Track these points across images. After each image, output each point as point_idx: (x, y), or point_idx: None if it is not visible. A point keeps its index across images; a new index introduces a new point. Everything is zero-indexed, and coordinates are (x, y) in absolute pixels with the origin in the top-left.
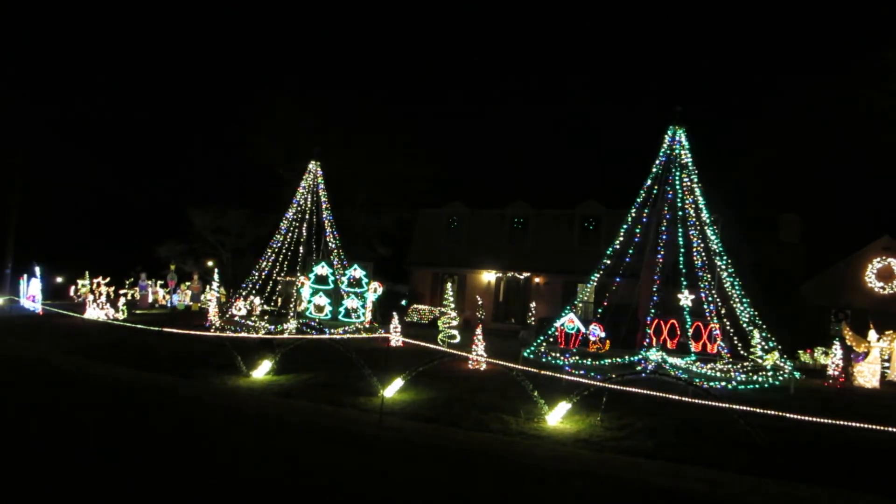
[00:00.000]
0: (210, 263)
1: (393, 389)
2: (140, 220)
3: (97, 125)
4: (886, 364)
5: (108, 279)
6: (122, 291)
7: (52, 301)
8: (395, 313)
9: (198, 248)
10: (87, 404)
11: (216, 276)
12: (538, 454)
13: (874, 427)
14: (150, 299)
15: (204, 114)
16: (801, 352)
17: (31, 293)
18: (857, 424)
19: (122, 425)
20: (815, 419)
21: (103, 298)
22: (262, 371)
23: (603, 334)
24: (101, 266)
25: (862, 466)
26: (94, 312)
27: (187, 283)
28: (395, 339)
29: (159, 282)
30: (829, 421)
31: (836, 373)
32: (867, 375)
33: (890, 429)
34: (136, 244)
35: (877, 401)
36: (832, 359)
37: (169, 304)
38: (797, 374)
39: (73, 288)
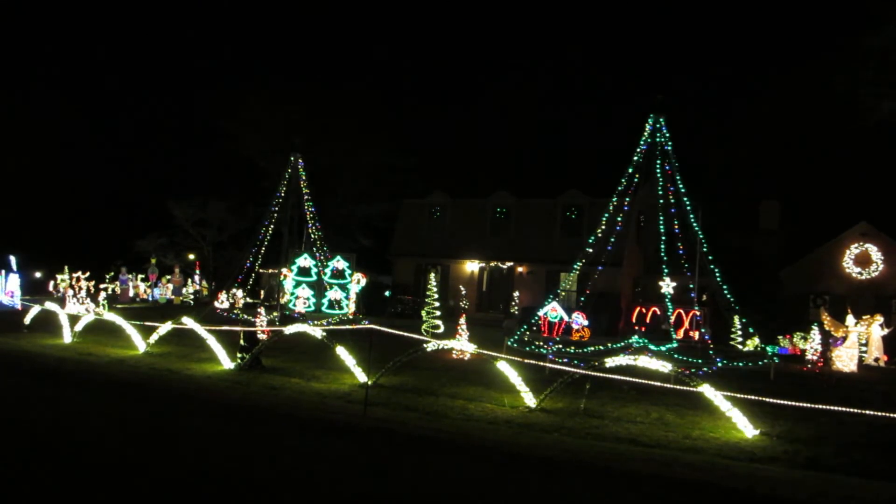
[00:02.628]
0: (191, 256)
1: (378, 380)
2: (120, 212)
3: (75, 117)
4: (864, 348)
5: (87, 273)
6: (102, 286)
7: (30, 296)
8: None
9: (179, 241)
10: (68, 398)
11: (198, 270)
12: (523, 442)
13: (854, 410)
14: (131, 293)
15: (184, 105)
16: (780, 337)
17: (10, 289)
18: (838, 408)
19: (91, 419)
20: (796, 403)
21: (83, 293)
22: (246, 363)
23: (586, 322)
24: (81, 260)
25: (842, 448)
26: (74, 307)
27: (168, 277)
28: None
29: (140, 275)
30: (810, 405)
31: (815, 357)
32: (845, 360)
33: (868, 412)
34: (116, 237)
35: (855, 384)
36: (810, 343)
37: (150, 298)
38: (776, 360)
39: (52, 283)
